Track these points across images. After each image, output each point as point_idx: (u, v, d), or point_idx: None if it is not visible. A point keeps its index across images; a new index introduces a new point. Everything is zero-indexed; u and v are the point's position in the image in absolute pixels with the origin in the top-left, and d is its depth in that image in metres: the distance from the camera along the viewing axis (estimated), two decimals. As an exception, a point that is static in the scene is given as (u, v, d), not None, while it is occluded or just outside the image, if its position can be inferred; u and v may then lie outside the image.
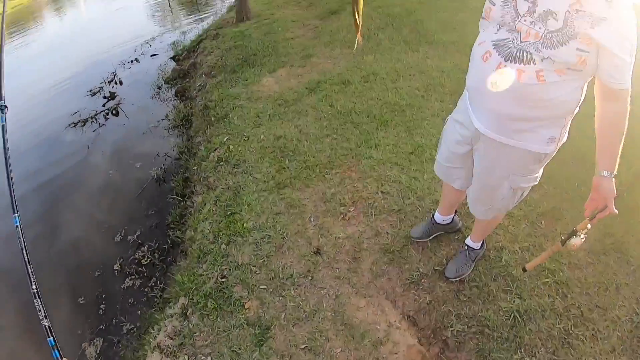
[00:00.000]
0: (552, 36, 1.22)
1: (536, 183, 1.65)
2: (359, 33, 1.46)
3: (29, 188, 4.72)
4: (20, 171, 5.05)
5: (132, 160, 4.78)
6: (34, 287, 1.26)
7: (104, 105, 6.28)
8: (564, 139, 1.50)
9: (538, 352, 1.85)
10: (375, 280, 2.22)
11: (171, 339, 2.28)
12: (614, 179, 1.39)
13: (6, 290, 3.36)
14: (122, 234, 3.76)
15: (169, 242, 3.50)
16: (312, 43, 5.59)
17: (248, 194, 2.98)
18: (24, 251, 1.36)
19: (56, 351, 1.18)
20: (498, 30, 1.36)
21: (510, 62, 1.32)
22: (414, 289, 2.15)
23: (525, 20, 1.28)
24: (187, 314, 2.39)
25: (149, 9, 13.54)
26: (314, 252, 2.44)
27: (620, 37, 1.17)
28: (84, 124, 5.83)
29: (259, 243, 2.59)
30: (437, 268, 2.21)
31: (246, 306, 2.27)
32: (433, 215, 2.30)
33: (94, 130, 5.67)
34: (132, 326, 2.95)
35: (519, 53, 1.30)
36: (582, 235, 1.50)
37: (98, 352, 2.84)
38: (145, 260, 3.44)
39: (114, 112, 6.07)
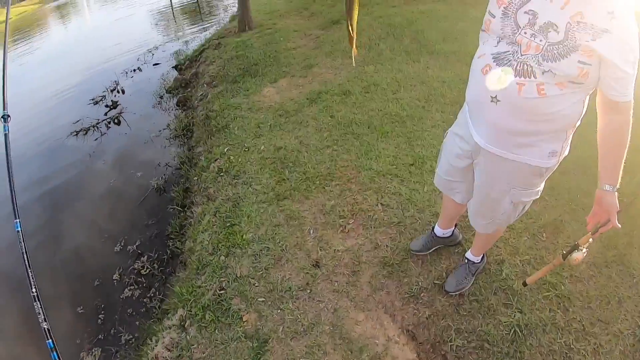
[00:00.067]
0: (553, 49, 1.20)
1: (538, 197, 1.62)
2: (354, 46, 1.44)
3: (32, 196, 4.74)
4: (23, 179, 5.08)
5: (133, 169, 4.79)
6: (33, 290, 1.27)
7: (106, 114, 6.32)
8: (566, 153, 1.48)
9: (539, 368, 1.83)
10: (374, 294, 2.21)
11: (169, 350, 2.27)
12: (616, 192, 1.37)
13: (8, 294, 3.38)
14: (122, 244, 3.76)
15: (169, 252, 3.49)
16: (313, 53, 5.62)
17: (248, 206, 2.97)
18: (25, 255, 1.37)
19: (55, 353, 1.18)
20: (498, 43, 1.35)
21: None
22: (413, 303, 2.13)
23: (525, 33, 1.26)
24: (185, 325, 2.37)
25: (153, 18, 13.68)
26: (313, 265, 2.42)
27: (622, 49, 1.15)
28: (86, 133, 5.86)
29: (258, 255, 2.58)
30: (436, 282, 2.19)
31: (244, 319, 2.25)
32: (433, 228, 2.29)
33: (95, 139, 5.70)
34: (131, 337, 2.94)
35: (520, 66, 1.28)
36: (584, 250, 1.49)
37: (97, 361, 2.82)
38: (145, 271, 3.44)
39: (115, 121, 6.10)
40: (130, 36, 10.98)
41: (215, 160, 3.73)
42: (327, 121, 3.81)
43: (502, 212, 1.68)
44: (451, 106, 3.74)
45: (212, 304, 2.38)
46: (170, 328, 2.43)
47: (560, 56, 1.20)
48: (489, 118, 1.43)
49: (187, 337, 2.28)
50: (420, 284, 2.20)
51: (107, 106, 6.56)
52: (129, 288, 3.32)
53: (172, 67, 7.61)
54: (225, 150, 3.78)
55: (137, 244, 3.72)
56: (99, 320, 3.13)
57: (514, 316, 2.00)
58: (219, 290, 2.46)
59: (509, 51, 1.31)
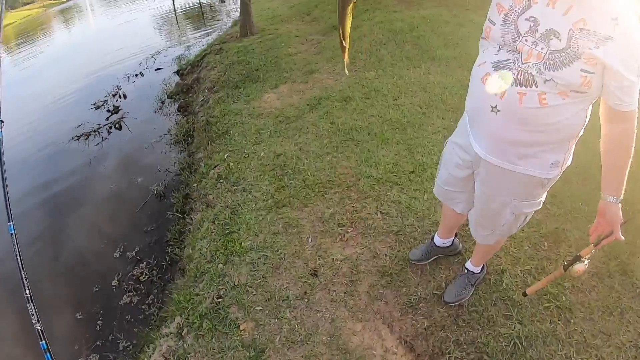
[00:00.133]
0: (555, 57, 1.17)
1: (539, 207, 1.59)
2: (346, 55, 1.39)
3: (33, 201, 4.78)
4: (24, 184, 5.13)
5: (133, 175, 4.80)
6: (27, 292, 1.27)
7: (107, 119, 6.35)
8: (569, 162, 1.44)
9: (539, 381, 1.81)
10: (372, 304, 2.18)
11: (166, 359, 2.25)
12: (620, 204, 1.34)
13: (4, 296, 3.38)
14: (122, 250, 3.76)
15: (168, 259, 3.49)
16: (314, 59, 5.61)
17: (246, 213, 2.96)
18: (19, 257, 1.38)
19: (48, 354, 1.18)
20: (498, 51, 1.31)
21: (511, 84, 1.27)
22: (411, 314, 2.11)
23: (526, 40, 1.22)
24: (183, 333, 2.36)
25: (156, 22, 13.76)
26: (311, 274, 2.40)
27: (627, 57, 1.11)
28: (87, 138, 5.88)
29: (256, 263, 2.56)
30: (435, 292, 2.17)
31: (241, 327, 2.23)
32: (432, 237, 2.26)
33: (96, 144, 5.73)
34: (128, 343, 2.94)
35: (520, 75, 1.24)
36: (586, 261, 1.46)
37: (94, 368, 2.81)
38: (144, 277, 3.43)
39: (117, 125, 6.12)
40: (133, 41, 11.04)
41: (215, 167, 3.72)
42: (327, 127, 3.80)
43: (503, 224, 1.65)
44: (452, 112, 3.72)
45: (210, 312, 2.36)
46: (167, 336, 2.41)
47: (562, 64, 1.16)
48: (489, 128, 1.40)
49: (184, 345, 2.26)
50: (419, 294, 2.18)
51: (108, 111, 6.59)
52: (127, 294, 3.32)
53: (174, 72, 7.64)
54: (225, 156, 3.77)
55: (136, 250, 3.72)
56: (98, 327, 3.13)
57: (514, 328, 1.97)
58: (217, 299, 2.44)
59: (509, 59, 1.27)
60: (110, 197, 4.58)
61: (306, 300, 2.28)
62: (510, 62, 1.27)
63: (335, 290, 2.29)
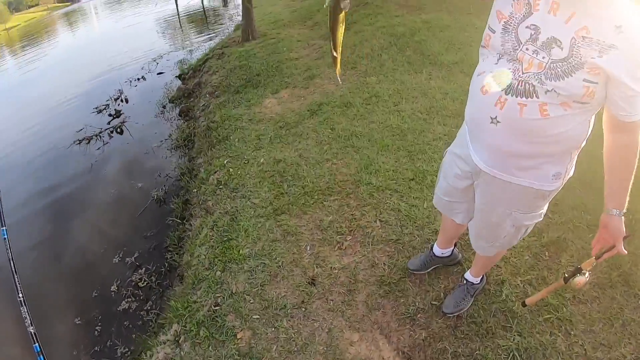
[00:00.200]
0: (556, 66, 1.12)
1: (541, 219, 1.55)
2: (338, 66, 1.37)
3: (34, 206, 4.81)
4: (25, 188, 5.16)
5: (134, 180, 4.81)
6: (20, 295, 1.27)
7: (109, 123, 6.37)
8: (571, 174, 1.40)
9: (538, 395, 1.78)
10: (370, 314, 2.16)
11: (162, 366, 2.25)
12: (623, 217, 1.30)
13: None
14: (121, 255, 3.76)
15: (167, 265, 3.48)
16: (315, 64, 5.61)
17: (245, 220, 2.94)
18: (11, 262, 1.38)
19: (41, 357, 1.18)
20: (498, 60, 1.27)
21: (511, 95, 1.23)
22: (409, 324, 2.08)
23: (527, 49, 1.18)
24: (180, 341, 2.36)
25: (160, 26, 13.82)
26: (309, 283, 2.38)
27: (631, 66, 1.07)
28: (89, 142, 5.90)
29: (254, 271, 2.55)
30: (434, 302, 2.14)
31: (238, 336, 2.22)
32: (432, 247, 2.23)
33: (98, 148, 5.75)
34: (126, 350, 2.94)
35: (521, 85, 1.20)
36: (587, 274, 1.43)
37: (92, 374, 2.81)
38: (142, 283, 3.43)
39: (118, 130, 6.14)
40: (136, 44, 11.11)
41: (215, 173, 3.71)
42: (327, 134, 3.78)
43: (504, 235, 1.62)
44: (453, 119, 3.70)
45: (207, 320, 2.35)
46: (164, 343, 2.41)
47: (564, 74, 1.12)
48: (489, 140, 1.37)
49: (181, 353, 2.26)
50: (417, 304, 2.15)
51: (110, 115, 6.62)
52: (126, 300, 3.32)
53: (176, 77, 7.67)
54: (225, 162, 3.76)
55: (135, 255, 3.72)
56: (96, 332, 3.14)
57: (513, 340, 1.94)
58: (214, 306, 2.43)
59: (509, 69, 1.24)
60: (110, 202, 4.59)
61: (303, 309, 2.26)
62: (511, 72, 1.24)
63: (332, 300, 2.27)
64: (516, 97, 1.22)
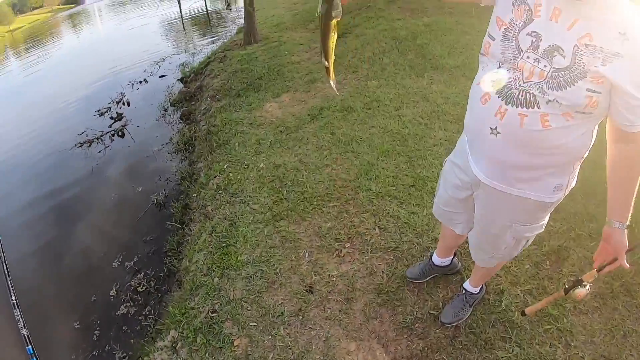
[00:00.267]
0: (558, 75, 1.08)
1: (542, 230, 1.52)
2: (331, 76, 1.33)
3: (34, 209, 4.81)
4: (26, 191, 5.17)
5: (134, 183, 4.80)
6: (13, 298, 1.27)
7: (110, 126, 6.38)
8: (573, 184, 1.37)
9: (537, 409, 1.75)
10: (367, 323, 2.14)
11: (159, 373, 2.24)
12: (626, 230, 1.26)
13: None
14: (120, 260, 3.75)
15: (165, 270, 3.46)
16: (317, 67, 5.59)
17: (244, 226, 2.93)
18: (4, 265, 1.38)
19: (34, 359, 1.17)
20: (498, 68, 1.23)
21: (512, 105, 1.18)
22: (407, 334, 2.06)
23: (528, 57, 1.13)
24: (177, 347, 2.36)
25: (163, 28, 13.86)
26: (307, 290, 2.37)
27: (636, 75, 1.03)
28: (90, 145, 5.91)
29: (252, 278, 2.53)
30: (432, 312, 2.12)
31: (235, 343, 2.21)
32: (431, 255, 2.21)
33: (99, 152, 5.75)
34: (124, 355, 2.93)
35: (521, 95, 1.16)
36: (588, 286, 1.41)
37: (90, 380, 2.81)
38: (141, 288, 3.42)
39: (119, 133, 6.15)
40: (139, 47, 11.13)
41: (215, 177, 3.70)
42: (327, 138, 3.76)
43: (504, 247, 1.59)
44: (454, 124, 3.68)
45: (204, 327, 2.35)
46: (162, 349, 2.41)
47: (566, 84, 1.08)
48: (489, 151, 1.33)
49: (178, 359, 2.25)
50: (415, 313, 2.13)
51: (112, 118, 6.63)
52: (125, 305, 3.31)
53: (178, 80, 7.66)
54: (225, 167, 3.75)
55: (134, 260, 3.71)
56: (95, 337, 3.12)
57: (512, 351, 1.92)
58: (212, 313, 2.42)
59: (510, 78, 1.18)
60: (111, 206, 4.59)
61: (301, 317, 2.25)
62: (511, 81, 1.18)
63: (330, 308, 2.25)
64: (516, 107, 1.18)
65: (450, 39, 5.76)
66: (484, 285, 2.10)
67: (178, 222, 3.82)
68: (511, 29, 1.18)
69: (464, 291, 2.06)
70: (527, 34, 1.14)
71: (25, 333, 1.19)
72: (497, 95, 1.22)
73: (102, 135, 6.05)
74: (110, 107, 7.00)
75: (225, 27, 12.38)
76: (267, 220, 2.94)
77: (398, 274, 2.34)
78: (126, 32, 15.72)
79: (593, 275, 1.38)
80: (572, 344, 1.94)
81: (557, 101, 1.11)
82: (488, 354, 1.92)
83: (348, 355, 2.02)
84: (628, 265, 1.29)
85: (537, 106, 1.14)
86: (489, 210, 1.53)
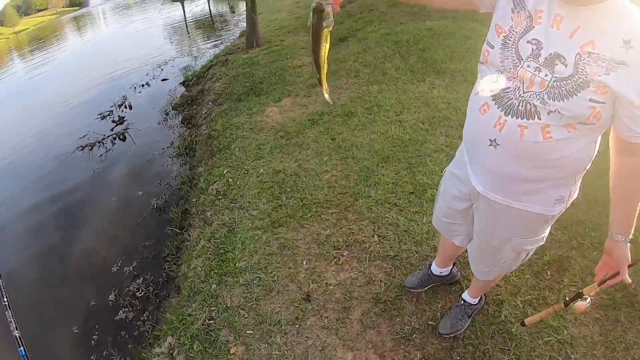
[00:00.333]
0: (560, 85, 1.04)
1: (543, 243, 1.48)
2: (325, 87, 1.30)
3: (35, 212, 4.83)
4: (27, 194, 5.17)
5: (134, 188, 4.81)
6: (5, 299, 1.26)
7: (112, 130, 6.39)
8: (575, 196, 1.33)
9: (536, 423, 1.72)
10: (365, 333, 2.11)
11: (156, 380, 2.23)
12: (629, 243, 1.22)
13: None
14: (119, 264, 3.75)
15: (164, 275, 3.46)
16: (318, 71, 5.57)
17: (242, 232, 2.91)
18: None
19: None
20: (497, 77, 1.20)
21: (511, 116, 1.14)
22: (404, 344, 2.03)
23: (529, 66, 1.09)
24: (174, 354, 2.35)
25: (167, 32, 13.91)
26: (304, 299, 2.34)
27: None
28: (92, 148, 5.93)
29: (249, 285, 2.52)
30: (430, 322, 2.09)
31: (232, 351, 2.19)
32: (430, 265, 2.18)
33: (100, 155, 5.77)
34: (122, 360, 2.91)
35: (522, 105, 1.11)
36: (589, 299, 1.38)
37: (87, 385, 2.80)
38: (140, 293, 3.41)
39: (121, 136, 6.16)
40: (143, 50, 11.19)
41: (214, 182, 3.69)
42: (327, 144, 3.74)
43: (504, 260, 1.56)
44: (455, 130, 3.64)
45: (201, 334, 2.33)
46: (159, 356, 2.41)
47: (568, 94, 1.03)
48: (488, 163, 1.29)
49: (175, 367, 2.24)
50: (413, 324, 2.10)
51: (113, 121, 6.66)
52: (123, 310, 3.31)
53: (180, 84, 7.69)
54: (225, 172, 3.74)
55: (133, 265, 3.71)
56: (93, 342, 3.13)
57: (511, 363, 1.89)
58: (209, 320, 2.41)
59: (510, 88, 1.14)
60: (111, 210, 4.59)
61: (297, 325, 2.22)
62: (511, 91, 1.14)
63: (327, 317, 2.23)
64: (516, 118, 1.14)
65: (452, 43, 5.73)
66: (483, 296, 2.07)
67: (177, 227, 3.81)
68: (511, 37, 1.14)
69: (462, 302, 2.03)
70: (528, 42, 1.09)
71: (17, 334, 1.17)
72: (497, 105, 1.18)
73: (103, 139, 6.08)
74: (112, 111, 7.03)
75: (228, 30, 12.42)
76: (265, 226, 2.92)
77: (396, 283, 2.31)
78: (130, 34, 15.79)
79: (594, 289, 1.35)
80: (573, 356, 1.91)
81: (558, 112, 1.07)
82: (486, 366, 1.90)
83: (344, 366, 2.00)
84: (630, 280, 1.25)
85: (537, 117, 1.10)
86: (488, 222, 1.49)
